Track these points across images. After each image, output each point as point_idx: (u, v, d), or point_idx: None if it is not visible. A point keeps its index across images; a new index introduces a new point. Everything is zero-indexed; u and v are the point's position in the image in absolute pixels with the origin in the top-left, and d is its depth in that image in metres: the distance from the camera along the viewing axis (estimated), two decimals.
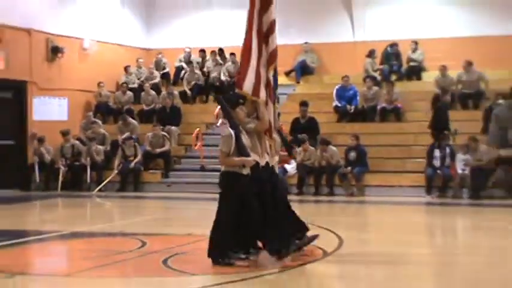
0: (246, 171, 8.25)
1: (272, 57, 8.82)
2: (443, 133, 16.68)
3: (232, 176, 8.28)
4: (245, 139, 8.28)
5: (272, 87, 8.82)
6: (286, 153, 11.59)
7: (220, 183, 8.49)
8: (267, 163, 8.61)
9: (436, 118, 17.07)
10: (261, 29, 8.66)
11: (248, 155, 8.24)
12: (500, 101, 16.85)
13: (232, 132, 8.20)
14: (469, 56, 18.99)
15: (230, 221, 8.29)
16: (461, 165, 16.25)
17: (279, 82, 23.27)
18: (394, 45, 20.50)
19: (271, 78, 8.83)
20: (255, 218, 8.18)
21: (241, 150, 8.20)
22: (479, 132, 17.22)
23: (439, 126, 16.85)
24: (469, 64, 18.74)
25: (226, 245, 8.32)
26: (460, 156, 16.35)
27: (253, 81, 8.49)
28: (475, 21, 20.36)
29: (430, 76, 19.94)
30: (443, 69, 19.10)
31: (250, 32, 8.59)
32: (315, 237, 8.86)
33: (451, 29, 20.60)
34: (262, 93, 8.55)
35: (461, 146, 16.49)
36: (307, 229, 8.87)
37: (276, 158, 9.05)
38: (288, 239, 8.45)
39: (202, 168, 18.78)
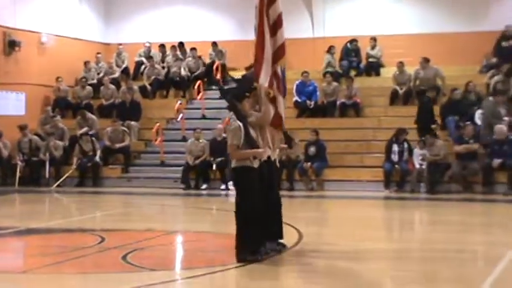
0: (256, 163, 8.12)
1: (281, 51, 8.75)
2: (430, 128, 16.79)
3: (244, 169, 8.10)
4: (252, 131, 8.19)
5: (281, 81, 8.76)
6: (286, 146, 11.50)
7: (235, 179, 8.35)
8: (269, 157, 8.51)
9: (421, 113, 17.18)
10: (269, 22, 8.62)
11: (258, 147, 8.18)
12: (490, 98, 16.95)
13: (240, 124, 8.07)
14: (426, 52, 19.23)
15: (256, 216, 8.10)
16: (418, 160, 16.47)
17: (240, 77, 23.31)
18: (353, 41, 20.64)
19: (279, 71, 8.77)
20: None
21: (250, 142, 8.11)
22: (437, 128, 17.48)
23: (425, 121, 16.94)
24: (426, 61, 18.97)
25: (259, 242, 8.18)
26: (418, 151, 16.57)
27: (269, 74, 8.49)
28: (432, 18, 20.63)
29: (388, 72, 20.14)
30: (400, 65, 19.32)
31: (262, 24, 8.58)
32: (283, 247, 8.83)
33: (409, 26, 20.82)
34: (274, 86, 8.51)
35: (419, 141, 16.71)
36: (281, 237, 8.81)
37: (277, 152, 8.97)
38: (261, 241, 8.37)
39: (163, 163, 18.76)
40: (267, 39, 8.55)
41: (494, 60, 19.32)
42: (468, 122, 16.78)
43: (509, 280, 7.66)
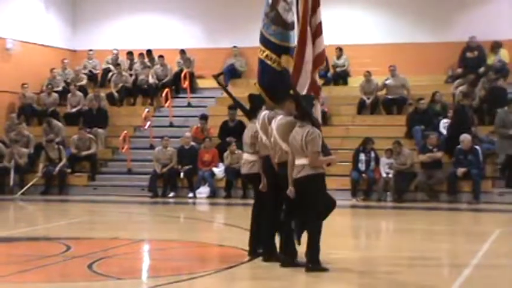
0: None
1: (319, 59, 8.77)
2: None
3: (320, 176, 8.04)
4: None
5: (318, 88, 8.83)
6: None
7: (313, 187, 8.02)
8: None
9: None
10: (311, 31, 8.66)
11: (330, 153, 8.17)
12: (505, 108, 16.81)
13: (319, 132, 8.02)
14: (392, 62, 19.40)
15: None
16: (385, 169, 16.61)
17: (208, 85, 23.41)
18: None
19: (317, 79, 8.84)
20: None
21: (324, 149, 8.07)
22: (403, 137, 17.64)
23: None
24: (394, 70, 19.17)
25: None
26: (384, 160, 16.71)
27: (308, 82, 8.55)
28: (399, 28, 20.78)
29: (356, 81, 20.27)
30: (367, 74, 19.47)
31: (304, 32, 8.57)
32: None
33: (375, 36, 20.98)
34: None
35: (386, 150, 16.84)
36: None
37: None
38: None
39: (130, 171, 18.68)
40: (308, 47, 8.58)
41: (459, 70, 19.58)
42: (433, 132, 16.97)
43: None
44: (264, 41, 8.88)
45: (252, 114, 8.92)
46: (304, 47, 8.57)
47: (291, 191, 8.07)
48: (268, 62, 8.77)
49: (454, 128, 16.89)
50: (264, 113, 8.59)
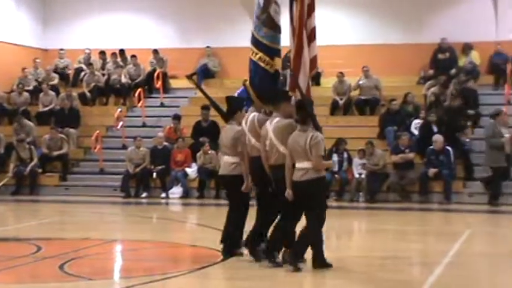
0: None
1: (313, 63, 8.87)
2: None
3: (323, 179, 8.20)
4: None
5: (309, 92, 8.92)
6: None
7: (317, 190, 8.12)
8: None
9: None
10: (306, 34, 8.76)
11: (326, 158, 8.29)
12: (490, 120, 16.49)
13: (322, 136, 8.15)
14: (365, 63, 19.50)
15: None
16: (358, 169, 16.69)
17: (181, 86, 23.39)
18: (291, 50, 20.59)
19: (309, 83, 8.93)
20: None
21: (324, 154, 8.22)
22: (376, 137, 17.74)
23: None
24: (367, 71, 19.27)
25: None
26: (357, 161, 16.79)
27: (306, 84, 8.64)
28: (372, 29, 20.88)
29: (328, 82, 20.33)
30: (340, 75, 19.54)
31: (301, 35, 8.66)
32: None
33: (348, 37, 21.07)
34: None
35: (358, 150, 16.92)
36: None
37: None
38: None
39: (102, 171, 18.57)
40: (305, 50, 8.68)
41: (431, 71, 19.74)
42: (405, 132, 17.09)
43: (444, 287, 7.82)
44: (255, 42, 8.94)
45: (229, 116, 8.96)
46: (301, 49, 8.66)
47: (289, 193, 8.11)
48: (262, 64, 8.85)
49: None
50: (252, 115, 8.63)
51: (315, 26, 8.85)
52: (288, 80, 8.92)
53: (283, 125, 8.24)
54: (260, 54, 8.82)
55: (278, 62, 8.84)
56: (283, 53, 9.20)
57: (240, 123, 8.80)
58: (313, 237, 8.18)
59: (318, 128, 8.22)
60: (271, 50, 8.82)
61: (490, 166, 15.89)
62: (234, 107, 8.99)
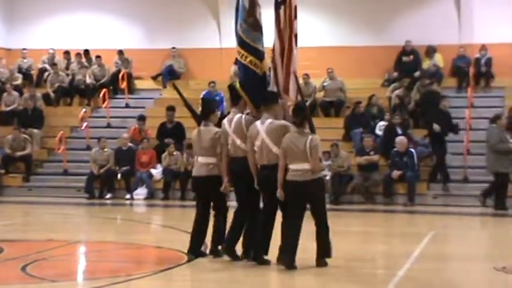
0: None
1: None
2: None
3: (322, 180, 8.44)
4: None
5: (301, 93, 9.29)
6: None
7: (318, 190, 8.38)
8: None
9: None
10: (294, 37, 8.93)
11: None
12: (493, 125, 15.96)
13: (318, 138, 8.33)
14: (331, 65, 19.62)
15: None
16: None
17: (146, 87, 23.28)
18: None
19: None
20: None
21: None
22: (341, 139, 17.85)
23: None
24: (332, 73, 19.37)
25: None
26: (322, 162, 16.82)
27: (296, 87, 8.83)
28: (337, 31, 21.01)
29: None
30: (306, 77, 19.59)
31: (291, 38, 8.82)
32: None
33: (314, 39, 21.13)
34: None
35: (323, 152, 16.97)
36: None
37: None
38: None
39: (66, 172, 18.41)
40: (294, 53, 8.84)
41: (395, 74, 19.92)
42: (370, 134, 17.21)
43: None
44: (245, 45, 8.96)
45: (203, 117, 9.04)
46: (291, 53, 8.82)
47: (280, 193, 8.27)
48: (252, 67, 8.90)
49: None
50: (239, 116, 8.69)
51: (297, 33, 9.02)
52: (272, 81, 8.98)
53: (278, 126, 8.40)
54: (251, 57, 8.91)
55: (265, 64, 8.98)
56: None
57: (214, 125, 8.91)
58: (327, 234, 8.54)
59: (313, 130, 8.39)
60: (259, 53, 8.95)
61: (496, 172, 15.45)
62: (209, 109, 9.14)
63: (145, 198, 17.21)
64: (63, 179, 18.30)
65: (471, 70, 19.57)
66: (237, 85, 8.93)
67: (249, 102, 8.83)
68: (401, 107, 18.16)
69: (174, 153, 17.51)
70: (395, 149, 16.50)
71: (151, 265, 9.30)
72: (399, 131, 17.08)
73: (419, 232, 12.51)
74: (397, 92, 18.82)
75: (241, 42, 8.95)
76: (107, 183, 17.50)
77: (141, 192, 17.32)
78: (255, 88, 8.84)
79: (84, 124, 19.58)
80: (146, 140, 18.04)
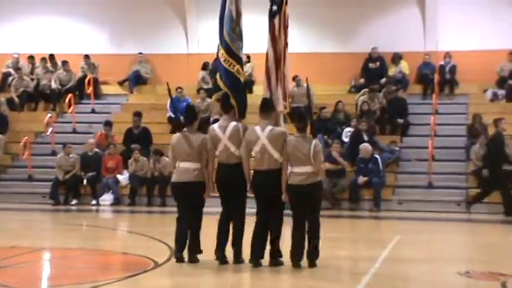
0: None
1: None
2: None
3: (322, 183, 8.90)
4: None
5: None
6: None
7: (319, 194, 8.87)
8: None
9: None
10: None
11: None
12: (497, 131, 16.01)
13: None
14: (298, 71, 19.63)
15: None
16: None
17: (112, 92, 23.16)
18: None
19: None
20: None
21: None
22: None
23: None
24: (299, 80, 19.42)
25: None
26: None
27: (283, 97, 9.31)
28: (304, 38, 21.00)
29: (261, 90, 20.31)
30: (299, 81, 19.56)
31: (286, 46, 9.28)
32: None
33: None
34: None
35: None
36: None
37: None
38: None
39: (30, 178, 18.22)
40: (287, 60, 9.32)
41: (362, 80, 20.07)
42: (336, 140, 17.30)
43: None
44: (232, 54, 9.32)
45: (187, 123, 9.22)
46: (284, 62, 9.29)
47: (285, 197, 8.69)
48: (238, 76, 9.34)
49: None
50: (235, 124, 8.97)
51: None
52: (265, 88, 9.52)
53: (279, 133, 8.78)
54: (237, 66, 9.31)
55: (243, 73, 9.45)
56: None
57: (196, 131, 9.19)
58: (315, 235, 8.80)
59: (314, 135, 8.81)
60: (242, 61, 9.45)
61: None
62: (194, 115, 9.39)
63: (112, 204, 17.10)
64: (28, 184, 18.10)
65: (436, 77, 19.80)
66: (224, 89, 9.29)
67: (237, 109, 9.16)
68: (367, 114, 18.29)
69: (141, 158, 17.43)
70: (360, 156, 16.61)
71: (117, 271, 9.24)
72: (365, 137, 17.21)
73: (384, 237, 12.60)
74: (362, 98, 18.96)
75: (230, 51, 9.29)
76: (73, 189, 17.36)
77: (107, 198, 17.21)
78: (241, 95, 9.32)
79: (50, 129, 19.41)
80: (112, 145, 17.94)
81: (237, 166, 8.82)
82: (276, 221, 8.87)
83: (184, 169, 8.96)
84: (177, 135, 9.20)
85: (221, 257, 8.87)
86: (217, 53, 9.50)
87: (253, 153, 8.75)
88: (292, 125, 9.05)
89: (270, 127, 8.77)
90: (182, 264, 8.91)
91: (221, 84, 9.43)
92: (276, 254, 8.87)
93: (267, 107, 9.01)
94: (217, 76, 9.51)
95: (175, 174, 9.08)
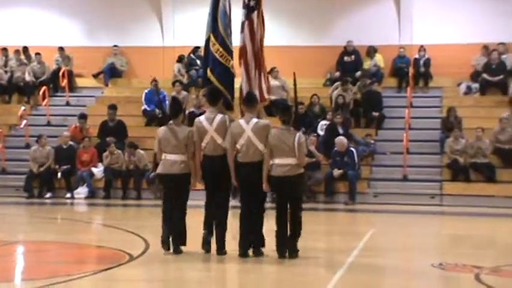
0: None
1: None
2: None
3: (305, 175, 9.18)
4: None
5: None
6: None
7: (302, 185, 9.17)
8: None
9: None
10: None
11: None
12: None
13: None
14: (273, 64, 19.65)
15: None
16: None
17: (87, 84, 22.98)
18: (197, 50, 20.39)
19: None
20: None
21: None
22: None
23: None
24: (276, 72, 19.41)
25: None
26: None
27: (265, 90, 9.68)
28: (279, 32, 20.86)
29: (237, 83, 20.33)
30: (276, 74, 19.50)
31: (262, 41, 9.59)
32: None
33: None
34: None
35: None
36: None
37: None
38: None
39: (4, 171, 18.07)
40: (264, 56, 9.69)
41: (337, 74, 20.12)
42: (313, 134, 17.34)
43: (348, 286, 7.99)
44: (227, 49, 9.63)
45: (172, 116, 9.28)
46: (263, 56, 9.68)
47: (266, 186, 8.89)
48: (232, 71, 9.70)
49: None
50: (222, 116, 9.12)
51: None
52: (244, 81, 9.72)
53: (263, 125, 8.99)
54: (232, 61, 9.62)
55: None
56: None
57: (183, 124, 9.34)
58: (297, 227, 9.07)
59: (297, 127, 9.10)
60: (233, 56, 9.73)
61: None
62: (179, 108, 9.48)
63: (86, 197, 17.01)
64: (1, 177, 17.93)
65: (410, 70, 19.90)
66: (216, 83, 9.52)
67: (227, 95, 9.46)
68: (342, 107, 18.35)
69: (116, 151, 17.36)
70: (335, 149, 16.66)
71: (92, 265, 9.21)
72: (340, 130, 17.27)
73: (359, 230, 12.67)
74: (336, 91, 18.98)
75: (225, 46, 9.58)
76: (47, 182, 17.24)
77: (81, 191, 17.11)
78: (231, 88, 9.63)
79: (24, 122, 19.24)
80: (87, 138, 17.83)
81: (223, 158, 9.00)
82: (258, 212, 9.06)
83: (171, 161, 9.09)
84: (163, 128, 9.32)
85: (206, 248, 9.08)
86: (206, 47, 9.75)
87: (238, 146, 8.91)
88: (271, 118, 9.25)
89: (254, 120, 8.97)
90: (158, 257, 8.90)
91: (212, 78, 9.62)
92: (259, 245, 9.04)
93: (251, 100, 9.23)
94: (208, 70, 9.66)
95: (162, 166, 9.20)
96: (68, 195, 17.06)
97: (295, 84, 9.83)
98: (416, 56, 20.11)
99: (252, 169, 8.87)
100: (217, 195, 9.15)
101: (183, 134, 9.09)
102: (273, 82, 19.36)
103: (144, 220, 14.24)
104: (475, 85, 19.52)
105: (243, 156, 8.94)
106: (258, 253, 9.03)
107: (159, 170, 9.27)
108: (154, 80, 19.20)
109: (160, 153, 9.21)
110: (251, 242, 9.03)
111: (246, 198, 9.07)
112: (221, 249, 9.06)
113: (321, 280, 8.23)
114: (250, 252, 9.02)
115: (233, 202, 9.41)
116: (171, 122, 9.23)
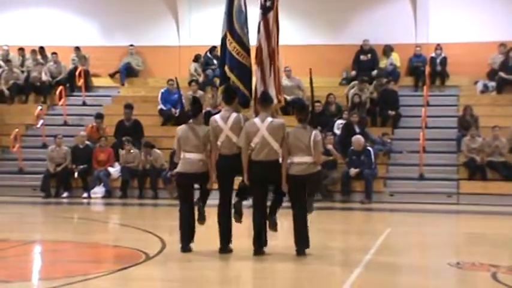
0: None
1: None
2: None
3: (321, 173, 9.32)
4: None
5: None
6: None
7: (319, 182, 9.45)
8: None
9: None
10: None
11: None
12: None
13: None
14: (289, 63, 19.62)
15: None
16: None
17: (103, 84, 23.11)
18: (213, 49, 20.44)
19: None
20: None
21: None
22: None
23: None
24: (289, 71, 19.40)
25: None
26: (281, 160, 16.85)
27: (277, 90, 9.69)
28: (295, 30, 20.99)
29: (252, 83, 20.36)
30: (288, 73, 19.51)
31: (277, 41, 9.59)
32: None
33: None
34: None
35: None
36: None
37: None
38: None
39: (21, 171, 18.16)
40: (280, 58, 9.73)
41: (353, 73, 20.06)
42: (329, 133, 17.30)
43: (365, 285, 7.96)
44: (245, 48, 9.68)
45: (193, 116, 9.31)
46: (278, 56, 9.66)
47: (285, 186, 8.94)
48: (251, 69, 9.74)
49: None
50: (237, 115, 9.14)
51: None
52: (259, 80, 9.71)
53: (279, 124, 9.01)
54: (249, 59, 9.67)
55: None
56: None
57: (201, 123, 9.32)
58: (304, 225, 9.14)
59: (315, 126, 9.21)
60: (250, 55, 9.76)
61: None
62: (200, 108, 9.51)
63: (103, 197, 17.07)
64: (18, 177, 18.05)
65: (427, 69, 19.81)
66: (235, 81, 9.60)
67: (245, 92, 9.56)
68: (359, 106, 18.30)
69: (132, 151, 17.40)
70: (352, 148, 16.61)
71: (108, 264, 9.24)
72: (357, 129, 17.22)
73: (376, 229, 12.63)
74: (353, 90, 18.94)
75: (242, 44, 9.60)
76: (64, 182, 17.32)
77: (98, 190, 17.18)
78: (249, 85, 9.67)
79: (40, 122, 19.34)
80: (104, 138, 17.90)
81: (238, 156, 9.02)
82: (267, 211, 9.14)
83: (192, 160, 9.11)
84: (183, 126, 9.32)
85: (224, 249, 9.11)
86: (223, 45, 9.80)
87: (252, 145, 8.93)
88: (287, 117, 9.27)
89: (269, 119, 8.98)
90: (175, 256, 8.91)
91: (231, 75, 9.69)
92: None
93: (266, 99, 9.23)
94: (226, 67, 9.72)
95: (182, 165, 9.21)
96: (85, 194, 17.13)
97: (311, 81, 9.87)
98: (433, 54, 20.03)
99: (265, 168, 8.89)
100: (231, 194, 9.17)
101: (203, 133, 9.13)
102: (288, 82, 19.40)
103: (161, 219, 14.27)
104: (492, 83, 19.41)
105: (256, 155, 8.95)
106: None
107: (179, 168, 9.26)
108: (173, 79, 19.21)
109: (180, 152, 9.23)
110: (265, 240, 9.04)
111: (258, 197, 9.07)
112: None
113: (338, 278, 8.21)
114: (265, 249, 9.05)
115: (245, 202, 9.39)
116: (190, 121, 9.25)
